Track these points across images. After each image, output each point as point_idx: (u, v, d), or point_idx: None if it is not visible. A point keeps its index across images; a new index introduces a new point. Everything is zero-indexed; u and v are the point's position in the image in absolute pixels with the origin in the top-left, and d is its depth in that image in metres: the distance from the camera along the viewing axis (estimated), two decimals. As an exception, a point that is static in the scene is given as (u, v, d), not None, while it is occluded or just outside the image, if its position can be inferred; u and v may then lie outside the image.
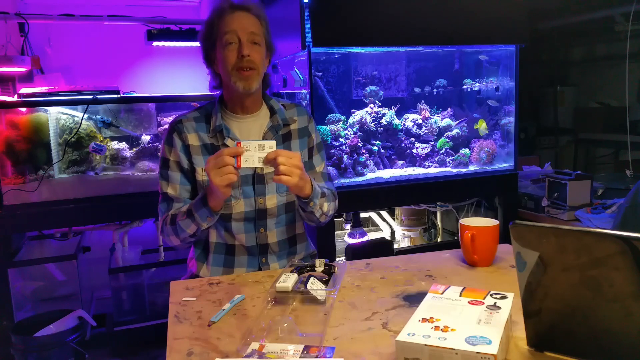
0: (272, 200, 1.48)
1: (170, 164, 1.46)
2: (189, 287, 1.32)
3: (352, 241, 2.69)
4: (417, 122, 2.69)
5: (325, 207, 1.49)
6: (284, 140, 1.52)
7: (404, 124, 2.67)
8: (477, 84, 2.76)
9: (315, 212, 1.45)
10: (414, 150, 2.64)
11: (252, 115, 1.50)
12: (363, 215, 2.90)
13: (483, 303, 0.97)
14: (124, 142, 2.63)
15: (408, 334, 0.87)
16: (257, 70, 1.41)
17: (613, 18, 3.73)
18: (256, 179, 1.47)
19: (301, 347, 0.93)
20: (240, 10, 1.40)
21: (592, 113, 4.56)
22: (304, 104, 2.47)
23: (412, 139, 2.67)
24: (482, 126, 2.69)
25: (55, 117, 2.53)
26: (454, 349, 0.82)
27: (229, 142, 1.45)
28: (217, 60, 1.43)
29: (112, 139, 2.63)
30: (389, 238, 2.93)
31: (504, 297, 1.00)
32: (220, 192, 1.27)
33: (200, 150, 1.46)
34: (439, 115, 2.74)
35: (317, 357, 0.91)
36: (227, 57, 1.39)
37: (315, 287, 1.17)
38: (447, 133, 2.70)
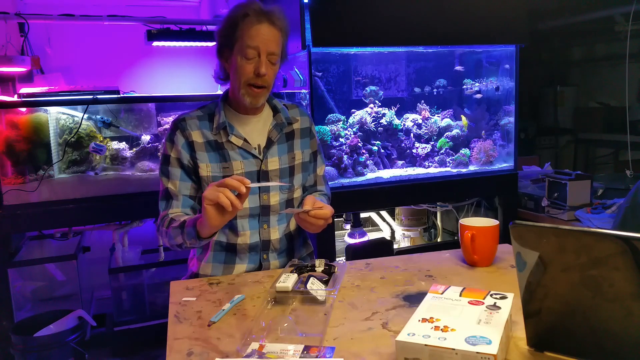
0: (275, 197, 1.50)
1: (171, 161, 1.47)
2: (189, 287, 1.32)
3: (352, 241, 2.69)
4: (417, 122, 2.69)
5: None
6: (287, 139, 1.54)
7: (404, 124, 2.67)
8: (477, 84, 2.76)
9: None
10: (414, 150, 2.64)
11: (256, 114, 1.51)
12: (363, 215, 2.90)
13: (483, 303, 0.97)
14: (124, 142, 2.63)
15: (408, 334, 0.87)
16: (267, 88, 1.44)
17: (613, 18, 3.73)
18: (261, 176, 1.48)
19: (301, 347, 0.93)
20: (267, 22, 1.38)
21: (592, 113, 4.56)
22: (304, 104, 2.47)
23: (413, 138, 2.67)
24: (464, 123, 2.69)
25: (55, 117, 2.52)
26: (454, 349, 0.82)
27: (233, 138, 1.46)
28: (231, 64, 1.44)
29: (112, 139, 2.63)
30: (389, 238, 2.93)
31: (504, 297, 1.00)
32: (207, 216, 1.23)
33: (204, 147, 1.46)
34: (439, 115, 2.74)
35: (317, 357, 0.91)
36: (244, 68, 1.40)
37: (315, 287, 1.17)
38: (447, 133, 2.70)
